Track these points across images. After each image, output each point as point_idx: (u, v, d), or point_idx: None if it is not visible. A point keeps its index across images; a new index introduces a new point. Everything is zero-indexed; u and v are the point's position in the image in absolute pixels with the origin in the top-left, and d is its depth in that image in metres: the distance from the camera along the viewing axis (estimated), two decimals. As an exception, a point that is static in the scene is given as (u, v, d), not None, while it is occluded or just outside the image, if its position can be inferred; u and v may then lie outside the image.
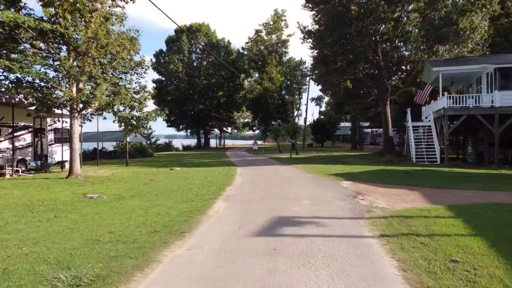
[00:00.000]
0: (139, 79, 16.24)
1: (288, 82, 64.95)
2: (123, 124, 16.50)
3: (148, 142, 49.05)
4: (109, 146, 35.89)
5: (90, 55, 13.04)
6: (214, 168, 16.72)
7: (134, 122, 16.35)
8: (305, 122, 45.84)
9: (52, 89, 13.22)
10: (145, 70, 16.30)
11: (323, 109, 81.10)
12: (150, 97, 16.56)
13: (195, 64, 51.49)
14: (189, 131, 57.36)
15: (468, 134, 21.94)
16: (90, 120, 16.20)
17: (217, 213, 6.60)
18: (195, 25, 50.42)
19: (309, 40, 24.24)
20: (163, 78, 50.15)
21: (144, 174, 14.65)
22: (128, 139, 32.82)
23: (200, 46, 50.95)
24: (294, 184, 10.36)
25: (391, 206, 7.06)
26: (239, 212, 6.58)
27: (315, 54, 26.30)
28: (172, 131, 60.52)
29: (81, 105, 13.45)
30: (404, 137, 46.26)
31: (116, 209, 6.99)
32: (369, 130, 67.16)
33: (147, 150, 32.47)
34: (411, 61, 25.06)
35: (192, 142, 58.73)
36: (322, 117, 63.75)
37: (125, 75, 15.89)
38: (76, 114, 13.55)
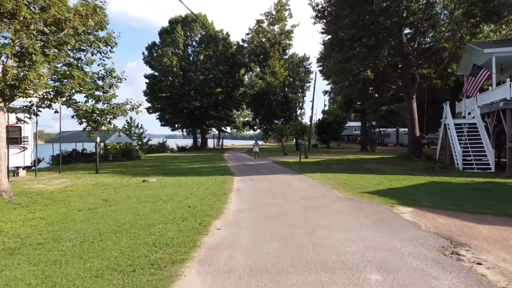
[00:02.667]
0: (103, 59, 12.22)
1: (291, 79, 60.95)
2: (83, 120, 12.48)
3: (140, 142, 45.20)
4: (92, 146, 31.86)
5: (20, 18, 9.05)
6: (204, 178, 12.69)
7: (98, 117, 12.32)
8: (310, 120, 41.67)
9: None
10: (112, 48, 12.27)
11: (326, 108, 77.20)
12: (119, 83, 12.50)
13: (191, 58, 47.44)
14: (185, 130, 53.28)
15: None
16: (37, 114, 12.19)
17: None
18: (191, 15, 46.32)
19: (323, 20, 20.17)
20: (156, 73, 46.09)
21: (105, 188, 10.62)
22: (112, 138, 28.92)
23: (198, 36, 46.95)
24: (325, 216, 6.30)
25: None
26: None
27: (328, 39, 22.25)
28: (171, 131, 56.38)
29: (8, 91, 9.43)
30: (427, 136, 42.26)
31: None
32: (376, 129, 63.22)
33: (134, 152, 28.43)
34: (441, 47, 21.03)
35: (190, 142, 54.66)
36: (325, 116, 59.72)
37: (83, 54, 11.87)
38: (1, 104, 9.54)
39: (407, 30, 22.61)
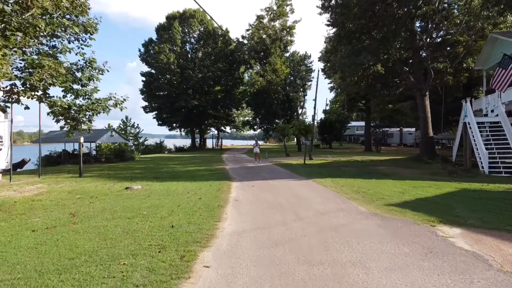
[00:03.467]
0: (82, 48, 10.65)
1: (292, 78, 59.42)
2: (60, 117, 10.93)
3: (136, 142, 43.64)
4: (85, 147, 30.21)
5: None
6: (198, 184, 11.10)
7: (76, 115, 10.76)
8: (313, 120, 40.09)
9: None
10: (91, 34, 10.70)
11: (328, 107, 75.49)
12: (100, 75, 10.94)
13: (189, 56, 45.82)
14: (183, 130, 51.65)
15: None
16: (4, 110, 10.65)
17: None
18: (189, 11, 44.81)
19: (330, 10, 18.58)
20: (153, 71, 44.50)
21: (80, 197, 9.02)
22: (103, 138, 27.29)
23: (196, 33, 45.34)
24: (352, 243, 4.70)
25: None
26: None
27: (335, 31, 20.66)
28: (168, 130, 54.62)
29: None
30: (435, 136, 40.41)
31: None
32: (379, 129, 61.72)
33: (127, 153, 26.83)
34: (456, 40, 19.46)
35: (188, 142, 53.02)
36: (326, 115, 58.14)
37: (59, 41, 10.30)
38: None
39: (417, 23, 21.05)
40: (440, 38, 19.74)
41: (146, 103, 46.34)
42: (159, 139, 47.41)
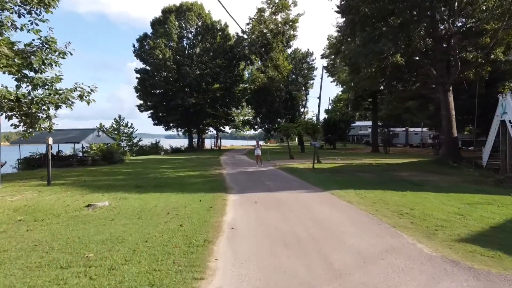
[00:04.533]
0: (35, 23, 8.30)
1: (294, 76, 57.13)
2: (9, 113, 8.61)
3: (129, 143, 41.28)
4: (71, 148, 27.82)
5: None
6: (185, 197, 8.74)
7: (28, 109, 8.41)
8: (317, 119, 37.92)
9: None
10: (48, 6, 8.34)
11: (326, 106, 72.98)
12: (59, 58, 8.59)
13: (186, 52, 43.42)
14: (180, 130, 49.25)
15: None
16: None
17: None
18: (186, 4, 42.42)
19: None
20: (148, 67, 42.12)
21: (21, 220, 6.64)
22: (89, 138, 24.88)
23: (193, 28, 42.99)
24: None
25: None
26: None
27: (343, 21, 18.31)
28: (164, 130, 52.08)
29: None
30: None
31: None
32: (385, 129, 59.48)
33: (116, 155, 24.47)
34: (483, 29, 17.10)
35: (187, 143, 50.57)
36: (329, 115, 55.78)
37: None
38: None
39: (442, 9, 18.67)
40: (465, 27, 17.37)
41: (141, 102, 43.96)
42: (155, 140, 45.09)
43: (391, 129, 44.27)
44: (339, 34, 20.14)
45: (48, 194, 9.94)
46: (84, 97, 8.79)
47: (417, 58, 17.58)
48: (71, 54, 8.76)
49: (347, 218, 6.08)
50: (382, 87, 21.28)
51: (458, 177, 12.51)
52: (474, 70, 20.98)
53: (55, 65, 8.59)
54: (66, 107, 8.80)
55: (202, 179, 12.96)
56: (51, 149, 12.94)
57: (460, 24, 17.35)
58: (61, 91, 8.66)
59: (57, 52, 8.62)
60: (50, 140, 12.18)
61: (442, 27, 18.11)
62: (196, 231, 5.35)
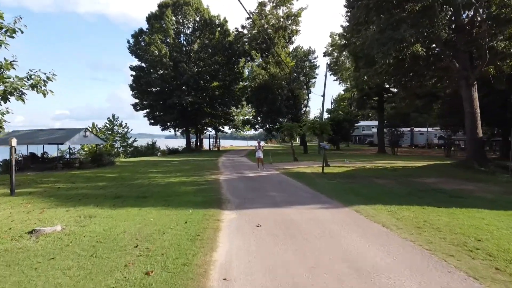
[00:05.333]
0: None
1: (295, 75, 55.30)
2: None
3: (124, 143, 39.37)
4: (61, 150, 25.91)
5: None
6: (168, 216, 6.82)
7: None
8: (321, 118, 35.93)
9: None
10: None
11: (328, 105, 71.01)
12: (7, 37, 6.67)
13: (184, 48, 41.47)
14: (178, 130, 47.32)
15: None
16: None
17: None
18: (183, -3, 40.44)
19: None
20: (143, 64, 40.21)
21: None
22: (74, 139, 22.90)
23: (191, 23, 41.05)
24: None
25: None
26: None
27: (356, 8, 16.35)
28: (161, 130, 50.02)
29: None
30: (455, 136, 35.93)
31: None
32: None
33: (105, 157, 22.56)
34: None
35: (185, 143, 48.58)
36: (331, 115, 53.89)
37: None
38: None
39: None
40: (494, 14, 15.43)
41: (137, 100, 42.02)
42: (151, 140, 43.18)
43: (395, 129, 42.22)
44: (348, 24, 18.19)
45: (2, 208, 8.04)
46: (39, 87, 6.87)
47: (437, 49, 15.63)
48: (22, 32, 6.84)
49: (395, 259, 4.13)
50: (393, 83, 19.30)
51: (496, 185, 10.58)
52: (497, 64, 19.07)
53: (3, 46, 6.69)
54: (17, 99, 6.88)
55: (194, 187, 11.02)
56: (15, 152, 11.01)
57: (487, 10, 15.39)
58: (8, 80, 6.74)
59: (4, 30, 6.71)
60: (14, 142, 10.24)
61: (464, 16, 16.20)
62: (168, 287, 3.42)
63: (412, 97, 21.41)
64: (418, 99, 23.97)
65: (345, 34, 23.17)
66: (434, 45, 16.00)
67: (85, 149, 32.95)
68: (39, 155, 23.29)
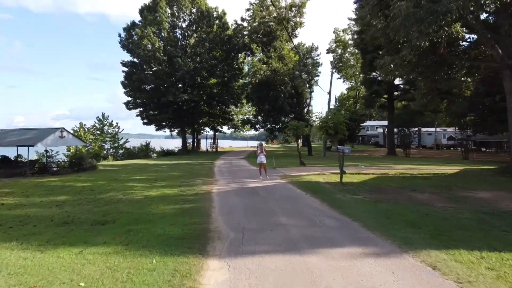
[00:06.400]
0: None
1: (297, 72, 52.52)
2: None
3: (115, 145, 36.60)
4: (34, 153, 23.08)
5: None
6: (116, 270, 4.08)
7: None
8: (327, 117, 33.26)
9: None
10: None
11: (332, 104, 68.25)
12: None
13: (180, 43, 38.70)
14: (173, 130, 44.56)
15: None
16: None
17: None
18: (178, -12, 37.71)
19: None
20: (136, 60, 37.47)
21: None
22: (48, 140, 20.06)
23: (187, 15, 38.31)
24: None
25: None
26: None
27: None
28: (155, 130, 47.16)
29: None
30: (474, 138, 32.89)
31: None
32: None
33: (85, 161, 19.78)
34: None
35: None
36: (334, 113, 51.21)
37: None
38: None
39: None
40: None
41: (129, 98, 39.24)
42: (145, 141, 40.43)
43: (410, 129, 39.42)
44: (367, 5, 15.42)
45: None
46: None
47: (481, 33, 12.89)
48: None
49: None
50: (417, 75, 16.50)
51: None
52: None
53: None
54: None
55: (177, 205, 8.27)
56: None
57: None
58: None
59: None
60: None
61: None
62: None
63: (434, 93, 18.64)
64: (440, 94, 21.22)
65: (359, 20, 20.41)
66: (468, 30, 13.26)
67: (71, 151, 30.24)
68: (12, 158, 20.57)
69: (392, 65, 12.25)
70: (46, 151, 21.16)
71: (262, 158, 13.71)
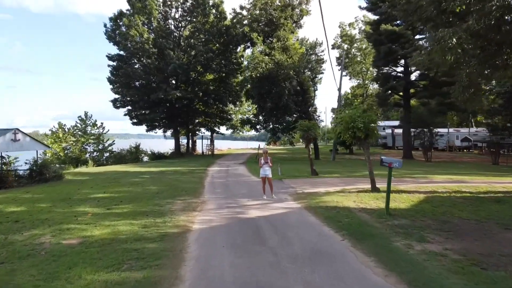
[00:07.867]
0: None
1: (301, 69, 48.73)
2: None
3: (99, 147, 32.84)
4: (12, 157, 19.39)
5: None
6: None
7: None
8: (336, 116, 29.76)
9: None
10: None
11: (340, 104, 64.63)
12: None
13: (172, 35, 34.97)
14: (166, 131, 40.80)
15: None
16: None
17: None
18: (171, -27, 33.98)
19: None
20: (123, 53, 33.72)
21: None
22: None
23: (180, 4, 34.56)
24: None
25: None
26: None
27: None
28: (146, 131, 43.32)
29: None
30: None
31: None
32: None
33: (49, 169, 16.03)
34: None
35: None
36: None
37: None
38: None
39: None
40: None
41: (117, 96, 35.47)
42: (135, 143, 36.63)
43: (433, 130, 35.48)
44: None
45: None
46: None
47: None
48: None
49: None
50: (470, 60, 12.71)
51: None
52: None
53: None
54: None
55: (114, 273, 4.52)
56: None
57: None
58: None
59: None
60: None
61: None
62: None
63: (479, 86, 14.86)
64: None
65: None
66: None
67: (48, 155, 26.53)
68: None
69: (454, 39, 8.50)
70: (2, 157, 17.41)
71: (267, 171, 9.96)
